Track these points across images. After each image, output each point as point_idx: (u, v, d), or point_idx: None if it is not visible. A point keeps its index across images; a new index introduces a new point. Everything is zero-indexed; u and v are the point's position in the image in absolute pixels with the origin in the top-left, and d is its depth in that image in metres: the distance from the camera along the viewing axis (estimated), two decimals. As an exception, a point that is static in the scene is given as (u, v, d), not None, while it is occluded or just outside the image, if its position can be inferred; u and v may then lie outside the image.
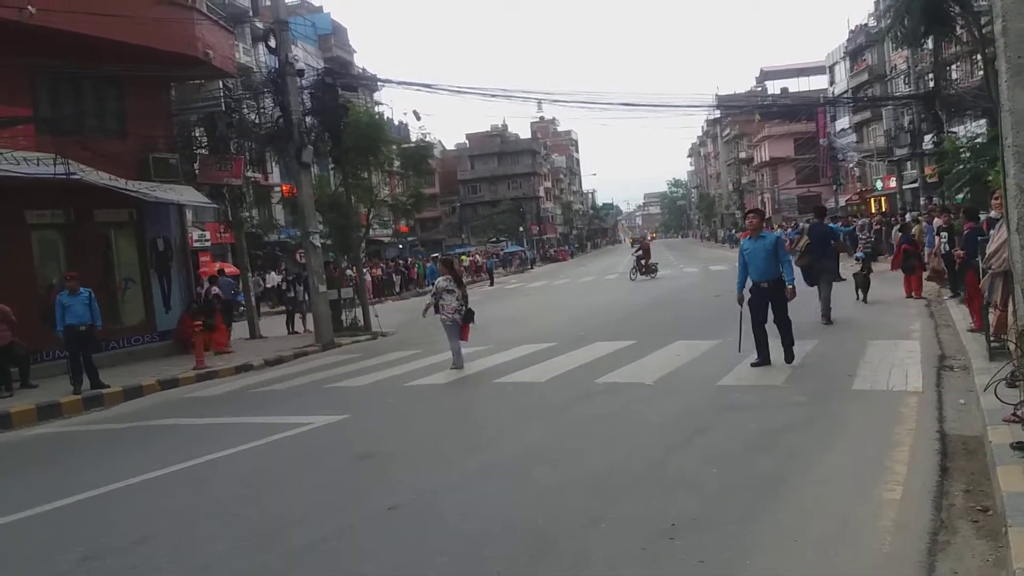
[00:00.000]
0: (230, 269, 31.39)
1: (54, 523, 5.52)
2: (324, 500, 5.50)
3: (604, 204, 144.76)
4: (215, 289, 17.04)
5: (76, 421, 10.32)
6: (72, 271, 12.31)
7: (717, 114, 71.96)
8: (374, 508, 5.08)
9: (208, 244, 34.33)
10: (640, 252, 29.34)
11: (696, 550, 3.91)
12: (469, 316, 10.78)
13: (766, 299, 8.78)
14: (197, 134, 18.18)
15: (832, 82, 56.59)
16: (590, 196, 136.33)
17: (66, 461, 7.94)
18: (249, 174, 20.63)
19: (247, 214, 21.02)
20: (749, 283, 8.96)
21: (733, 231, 58.95)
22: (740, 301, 8.99)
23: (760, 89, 72.07)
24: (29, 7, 11.99)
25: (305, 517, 5.09)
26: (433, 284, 11.60)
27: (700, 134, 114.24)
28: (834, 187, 54.00)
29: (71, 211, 14.86)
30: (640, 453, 5.90)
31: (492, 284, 39.07)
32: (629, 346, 11.25)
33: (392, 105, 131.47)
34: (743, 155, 78.44)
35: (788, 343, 8.79)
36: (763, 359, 8.69)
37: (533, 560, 4.01)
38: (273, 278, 30.51)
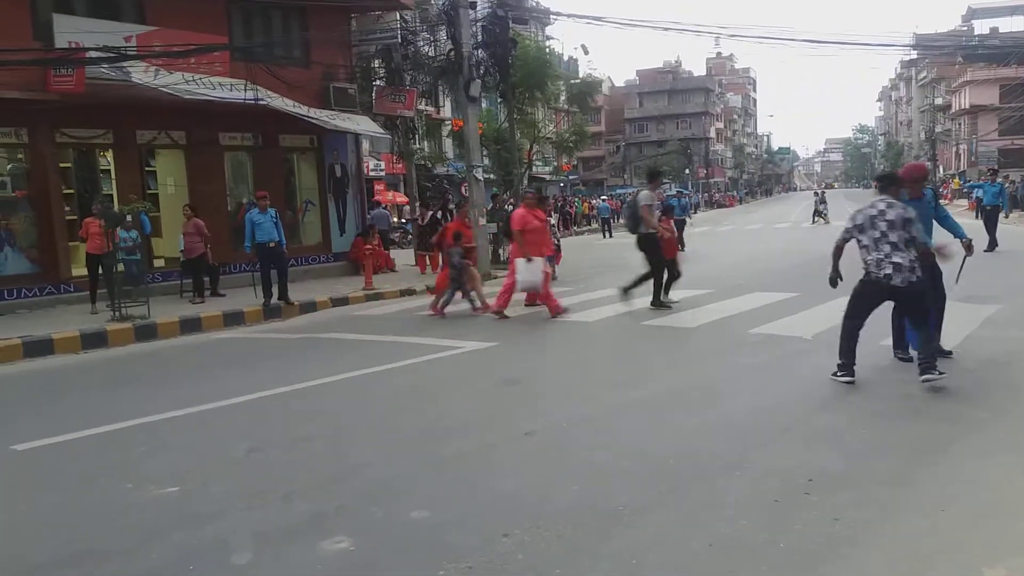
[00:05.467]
0: (401, 199, 32.82)
1: (228, 418, 6.14)
2: (468, 419, 5.78)
3: (780, 148, 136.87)
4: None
5: (256, 329, 11.29)
6: (262, 191, 13.21)
7: (914, 55, 65.81)
8: (513, 431, 5.28)
9: (383, 174, 35.88)
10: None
11: (832, 507, 3.80)
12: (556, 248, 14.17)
13: None
14: (375, 66, 18.87)
15: (1055, 21, 50.17)
16: (765, 139, 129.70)
17: (243, 365, 8.75)
18: (421, 107, 21.29)
19: (418, 146, 21.70)
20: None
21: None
22: None
23: (966, 28, 65.06)
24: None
25: (450, 432, 5.39)
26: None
27: (893, 76, 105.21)
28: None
29: (259, 135, 16.00)
30: (787, 406, 5.74)
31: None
32: (791, 298, 10.81)
33: (563, 40, 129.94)
34: (939, 101, 71.53)
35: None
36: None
37: (661, 498, 4.05)
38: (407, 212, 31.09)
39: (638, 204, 10.60)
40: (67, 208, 13.68)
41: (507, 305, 10.58)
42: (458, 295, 11.10)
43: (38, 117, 12.53)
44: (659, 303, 10.51)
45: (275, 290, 12.25)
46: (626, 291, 10.64)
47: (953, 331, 7.53)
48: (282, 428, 5.71)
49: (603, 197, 47.38)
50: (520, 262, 10.23)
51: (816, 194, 37.51)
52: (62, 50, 12.17)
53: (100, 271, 12.12)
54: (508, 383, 6.94)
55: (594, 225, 39.50)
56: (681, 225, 22.09)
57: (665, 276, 10.72)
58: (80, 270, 13.25)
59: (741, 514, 3.78)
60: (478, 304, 11.07)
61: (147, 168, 15.25)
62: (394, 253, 20.21)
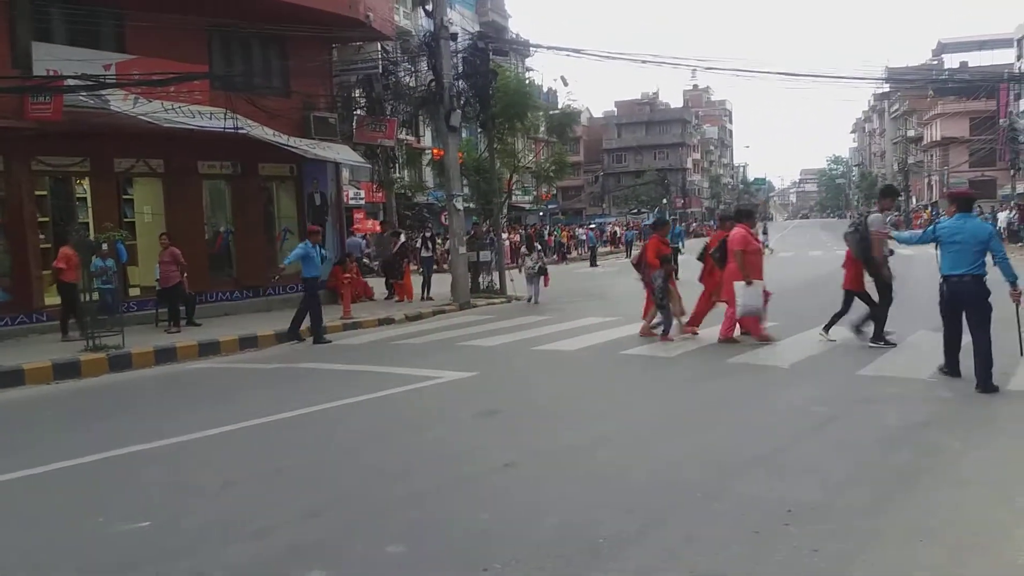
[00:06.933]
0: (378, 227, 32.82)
1: (202, 450, 6.04)
2: (446, 451, 5.73)
3: (756, 179, 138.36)
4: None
5: (232, 359, 11.15)
6: (315, 225, 13.10)
7: (886, 88, 67.27)
8: (492, 463, 5.24)
9: (363, 202, 35.85)
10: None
11: (811, 538, 3.80)
12: (543, 271, 16.58)
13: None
14: (356, 95, 18.95)
15: (1020, 56, 51.50)
16: (741, 170, 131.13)
17: (216, 396, 8.64)
18: (402, 136, 21.38)
19: (398, 175, 21.73)
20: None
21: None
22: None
23: (936, 62, 66.68)
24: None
25: (427, 464, 5.34)
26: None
27: (866, 109, 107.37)
28: (1012, 172, 49.23)
29: (238, 163, 15.94)
30: (765, 436, 5.75)
31: (629, 256, 38.69)
32: (768, 327, 10.87)
33: (542, 71, 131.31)
34: (911, 133, 73.08)
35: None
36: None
37: (642, 531, 4.02)
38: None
39: (868, 228, 9.34)
40: (42, 236, 13.53)
41: (733, 331, 9.99)
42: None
43: (14, 144, 12.44)
44: (882, 338, 9.16)
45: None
46: (859, 329, 9.49)
47: (932, 359, 7.65)
48: (257, 460, 5.62)
49: (591, 225, 47.99)
50: (740, 285, 9.43)
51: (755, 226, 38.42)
52: (40, 78, 12.10)
53: (74, 300, 11.94)
54: (487, 414, 6.90)
55: (574, 253, 39.95)
56: (676, 254, 22.14)
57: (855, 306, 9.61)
58: (53, 299, 13.08)
59: (721, 546, 3.77)
60: (669, 330, 10.40)
61: (124, 196, 15.14)
62: (372, 281, 20.14)
